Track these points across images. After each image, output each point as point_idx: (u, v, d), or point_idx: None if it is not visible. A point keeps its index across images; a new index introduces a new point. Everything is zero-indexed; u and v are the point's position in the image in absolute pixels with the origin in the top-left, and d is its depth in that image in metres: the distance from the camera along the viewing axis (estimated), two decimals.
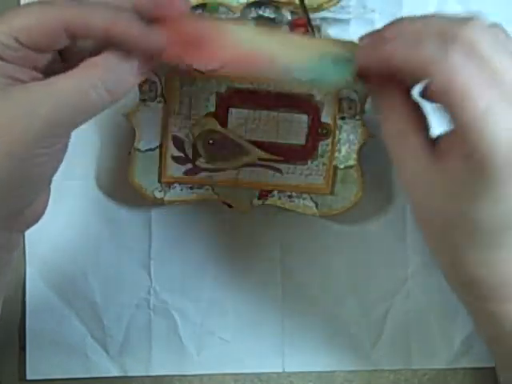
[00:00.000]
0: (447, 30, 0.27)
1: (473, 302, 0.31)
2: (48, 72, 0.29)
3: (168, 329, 0.43)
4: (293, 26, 0.39)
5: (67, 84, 0.27)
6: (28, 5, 0.28)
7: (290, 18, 0.39)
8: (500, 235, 0.28)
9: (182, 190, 0.40)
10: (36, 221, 0.33)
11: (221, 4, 0.38)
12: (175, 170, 0.40)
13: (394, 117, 0.29)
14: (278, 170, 0.40)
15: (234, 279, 0.43)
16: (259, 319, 0.43)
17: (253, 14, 0.38)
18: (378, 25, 0.41)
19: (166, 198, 0.40)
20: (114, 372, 0.43)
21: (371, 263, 0.43)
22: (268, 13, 0.39)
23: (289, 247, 0.43)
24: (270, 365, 0.43)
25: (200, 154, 0.40)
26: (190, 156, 0.40)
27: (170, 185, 0.40)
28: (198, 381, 0.43)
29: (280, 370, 0.43)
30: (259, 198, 0.41)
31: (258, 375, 0.43)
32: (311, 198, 0.41)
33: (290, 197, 0.41)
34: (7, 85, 0.27)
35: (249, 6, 0.38)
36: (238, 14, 0.38)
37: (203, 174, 0.40)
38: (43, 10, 0.27)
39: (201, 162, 0.40)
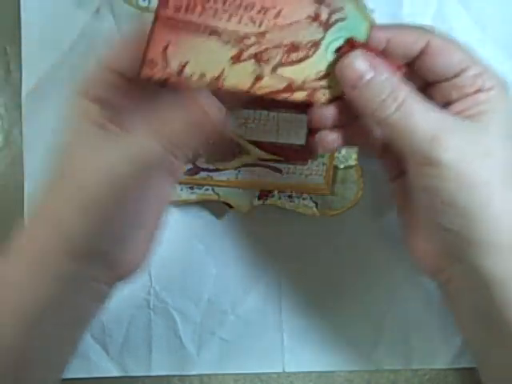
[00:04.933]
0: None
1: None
2: None
3: (168, 329, 0.43)
4: None
5: (136, 142, 0.29)
6: None
7: None
8: None
9: (181, 190, 0.40)
10: (131, 275, 0.33)
11: None
12: None
13: None
14: (278, 170, 0.40)
15: (234, 279, 0.43)
16: (259, 319, 0.43)
17: None
18: None
19: None
20: (114, 372, 0.43)
21: (371, 263, 0.43)
22: None
23: (289, 247, 0.43)
24: (270, 365, 0.43)
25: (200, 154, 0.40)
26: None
27: None
28: (198, 381, 0.43)
29: (280, 370, 0.43)
30: (259, 198, 0.41)
31: (258, 375, 0.43)
32: (311, 198, 0.41)
33: (289, 197, 0.41)
34: (103, 130, 0.29)
35: None
36: None
37: (203, 174, 0.40)
38: None
39: (201, 162, 0.40)
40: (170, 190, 0.35)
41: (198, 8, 0.26)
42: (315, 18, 0.28)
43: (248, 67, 0.28)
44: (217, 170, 0.40)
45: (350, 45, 0.29)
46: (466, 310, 0.32)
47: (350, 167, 0.40)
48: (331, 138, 0.32)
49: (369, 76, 0.29)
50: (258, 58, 0.28)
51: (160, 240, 0.42)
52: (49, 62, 0.41)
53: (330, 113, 0.31)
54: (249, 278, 0.43)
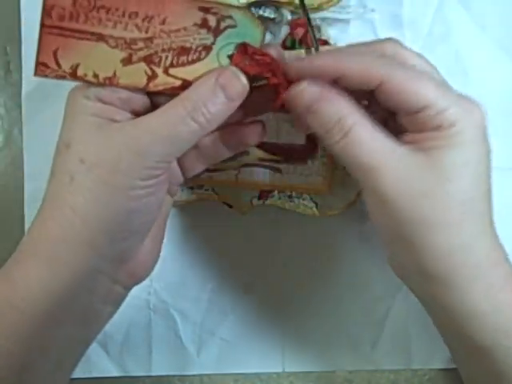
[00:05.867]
0: None
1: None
2: (143, 114, 0.30)
3: (168, 329, 0.43)
4: (293, 25, 0.39)
5: (155, 119, 0.29)
6: None
7: (289, 17, 0.39)
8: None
9: (182, 190, 0.40)
10: (141, 278, 0.34)
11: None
12: None
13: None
14: (278, 170, 0.40)
15: (234, 279, 0.43)
16: (259, 319, 0.43)
17: None
18: (378, 25, 0.42)
19: None
20: (114, 372, 0.43)
21: (371, 263, 0.43)
22: (268, 13, 0.39)
23: (289, 247, 0.43)
24: (270, 365, 0.43)
25: None
26: None
27: None
28: (198, 381, 0.43)
29: (280, 370, 0.43)
30: (259, 198, 0.41)
31: (258, 375, 0.43)
32: (311, 198, 0.41)
33: (289, 197, 0.41)
34: (104, 123, 0.29)
35: (249, 6, 0.38)
36: None
37: (203, 174, 0.40)
38: None
39: None
40: (173, 192, 0.35)
41: (82, 17, 0.28)
42: (202, 24, 0.29)
43: (140, 68, 0.30)
44: (217, 170, 0.40)
45: (243, 49, 0.30)
46: (433, 320, 0.33)
47: None
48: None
49: (316, 105, 0.29)
50: (147, 60, 0.29)
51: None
52: None
53: None
54: (249, 277, 0.43)
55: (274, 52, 0.31)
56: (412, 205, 0.28)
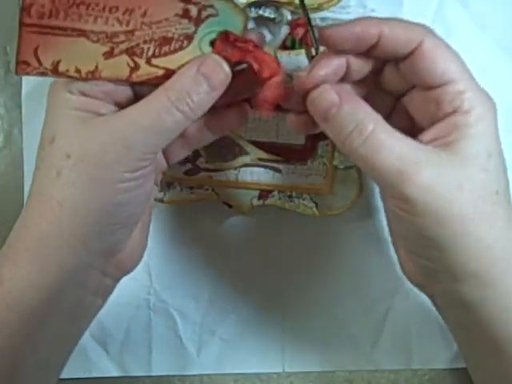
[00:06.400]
0: None
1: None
2: (127, 106, 0.30)
3: (168, 329, 0.43)
4: (293, 26, 0.39)
5: (139, 110, 0.29)
6: None
7: (289, 17, 0.39)
8: None
9: (181, 190, 0.40)
10: (130, 269, 0.34)
11: None
12: (175, 170, 0.40)
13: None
14: (278, 170, 0.40)
15: (234, 279, 0.43)
16: (259, 319, 0.43)
17: (253, 13, 0.38)
18: None
19: (166, 198, 0.40)
20: (114, 372, 0.43)
21: (371, 263, 0.43)
22: (268, 13, 0.39)
23: (289, 247, 0.43)
24: (270, 365, 0.43)
25: (200, 154, 0.40)
26: (190, 156, 0.40)
27: (169, 185, 0.40)
28: (198, 381, 0.43)
29: (280, 370, 0.43)
30: (259, 198, 0.41)
31: (258, 375, 0.43)
32: (311, 198, 0.40)
33: (289, 197, 0.41)
34: (89, 118, 0.29)
35: (249, 5, 0.38)
36: None
37: (203, 174, 0.40)
38: None
39: (201, 162, 0.40)
40: (157, 181, 0.35)
41: (61, 14, 0.28)
42: (183, 15, 0.29)
43: (122, 60, 0.29)
44: (217, 170, 0.40)
45: (225, 37, 0.30)
46: (450, 321, 0.33)
47: (350, 167, 0.40)
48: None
49: (335, 108, 0.29)
50: (129, 52, 0.29)
51: (160, 239, 0.42)
52: None
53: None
54: (249, 277, 0.43)
55: (254, 38, 0.30)
56: (446, 202, 0.27)
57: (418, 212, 0.28)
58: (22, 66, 0.28)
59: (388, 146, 0.28)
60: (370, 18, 0.30)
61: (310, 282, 0.43)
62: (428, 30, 0.29)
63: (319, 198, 0.41)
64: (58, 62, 0.28)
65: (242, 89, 0.32)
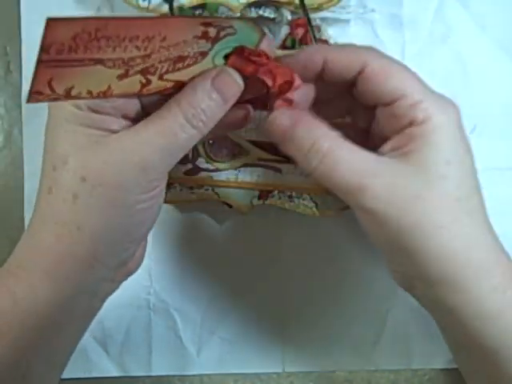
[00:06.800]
0: None
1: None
2: (137, 119, 0.29)
3: (168, 329, 0.43)
4: (293, 26, 0.39)
5: (155, 129, 0.28)
6: None
7: (289, 17, 0.39)
8: None
9: (181, 190, 0.40)
10: (134, 272, 0.34)
11: (221, 4, 0.38)
12: (175, 170, 0.40)
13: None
14: (278, 170, 0.40)
15: (234, 279, 0.43)
16: (259, 319, 0.43)
17: (253, 13, 0.38)
18: (378, 25, 0.42)
19: (166, 198, 0.40)
20: (114, 372, 0.43)
21: (371, 263, 0.43)
22: (268, 13, 0.39)
23: (289, 247, 0.43)
24: (270, 365, 0.43)
25: (200, 154, 0.40)
26: (190, 156, 0.40)
27: (169, 185, 0.40)
28: (198, 381, 0.43)
29: (280, 370, 0.43)
30: (259, 198, 0.41)
31: (258, 375, 0.43)
32: (311, 198, 0.40)
33: (290, 197, 0.41)
34: (101, 136, 0.28)
35: (249, 5, 0.38)
36: (237, 14, 0.38)
37: (203, 174, 0.40)
38: None
39: (201, 162, 0.40)
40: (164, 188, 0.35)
41: (81, 48, 0.26)
42: (202, 36, 0.28)
43: (135, 79, 0.28)
44: (217, 170, 0.40)
45: (240, 51, 0.30)
46: (436, 322, 0.33)
47: None
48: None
49: (290, 131, 0.29)
50: (143, 72, 0.28)
51: (160, 240, 0.42)
52: None
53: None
54: (249, 277, 0.43)
55: (266, 46, 0.30)
56: (405, 212, 0.28)
57: (380, 222, 0.28)
58: (35, 96, 0.27)
59: (345, 161, 0.28)
60: (317, 46, 0.31)
61: (309, 282, 0.43)
62: (373, 52, 0.30)
63: (319, 198, 0.40)
64: (71, 88, 0.27)
65: (248, 94, 0.31)
